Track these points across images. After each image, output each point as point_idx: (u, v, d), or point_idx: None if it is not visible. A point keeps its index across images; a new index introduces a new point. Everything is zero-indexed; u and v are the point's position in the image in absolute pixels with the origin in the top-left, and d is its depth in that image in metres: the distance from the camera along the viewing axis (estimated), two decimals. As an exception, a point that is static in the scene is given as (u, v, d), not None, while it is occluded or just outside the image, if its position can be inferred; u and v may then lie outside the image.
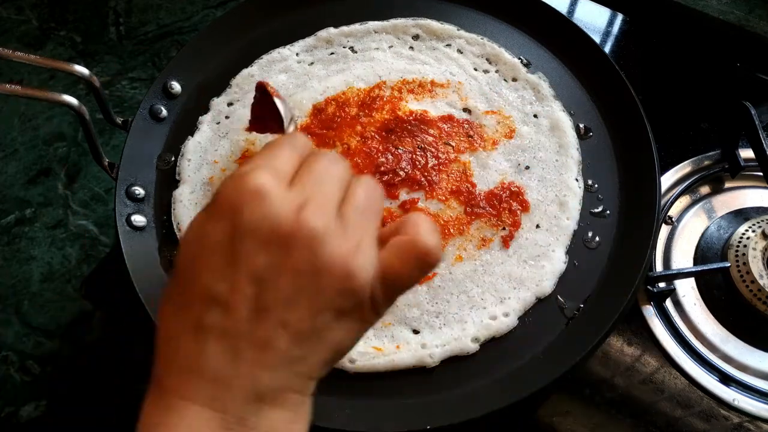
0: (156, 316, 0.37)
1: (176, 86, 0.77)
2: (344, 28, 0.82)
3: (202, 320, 0.33)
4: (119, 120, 0.73)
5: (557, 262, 0.65)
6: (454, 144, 0.72)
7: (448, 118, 0.74)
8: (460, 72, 0.78)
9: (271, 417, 0.33)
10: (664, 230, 0.77)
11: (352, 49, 0.81)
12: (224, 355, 0.32)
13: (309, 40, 0.82)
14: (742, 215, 0.77)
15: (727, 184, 0.80)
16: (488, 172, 0.71)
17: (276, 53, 0.81)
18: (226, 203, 0.33)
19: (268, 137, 0.70)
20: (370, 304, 0.35)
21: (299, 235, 0.32)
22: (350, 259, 0.33)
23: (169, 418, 0.33)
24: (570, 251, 0.67)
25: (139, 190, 0.71)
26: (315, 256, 0.32)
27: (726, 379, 0.67)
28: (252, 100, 0.62)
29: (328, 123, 0.74)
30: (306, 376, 0.34)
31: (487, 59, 0.79)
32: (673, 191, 0.78)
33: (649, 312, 0.71)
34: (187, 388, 0.33)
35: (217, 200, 0.34)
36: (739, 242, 0.72)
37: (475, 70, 0.79)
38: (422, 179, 0.69)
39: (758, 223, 0.73)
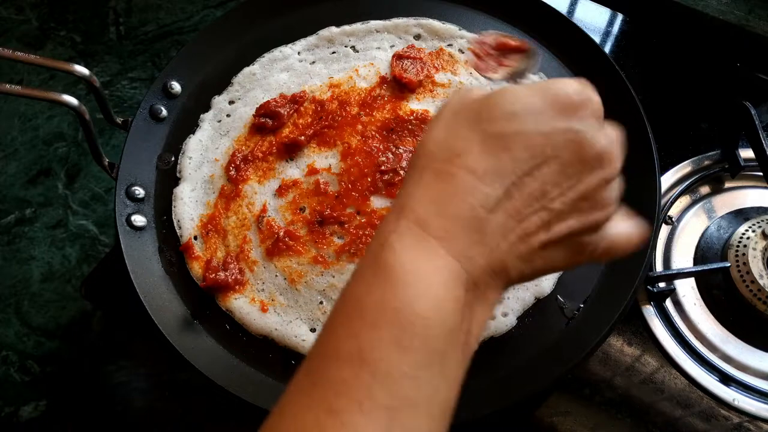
0: (422, 154, 0.39)
1: (176, 86, 0.77)
2: (346, 28, 0.82)
3: (495, 193, 0.36)
4: (119, 120, 0.73)
5: (557, 261, 0.65)
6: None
7: (448, 118, 0.73)
8: (461, 71, 0.78)
9: (490, 298, 0.37)
10: (664, 230, 0.77)
11: (353, 48, 0.81)
12: (500, 227, 0.36)
13: (311, 39, 0.82)
14: (742, 215, 0.77)
15: (727, 184, 0.80)
16: (488, 172, 0.71)
17: (278, 52, 0.81)
18: (570, 106, 0.38)
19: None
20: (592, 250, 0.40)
21: (604, 157, 0.38)
22: (613, 191, 0.40)
23: (425, 254, 0.35)
24: (570, 251, 0.67)
25: (139, 190, 0.71)
26: (606, 182, 0.38)
27: (726, 379, 0.67)
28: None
29: (328, 120, 0.74)
30: (521, 276, 0.38)
31: (487, 59, 0.79)
32: (673, 191, 0.78)
33: (649, 312, 0.71)
34: (454, 237, 0.35)
35: (560, 98, 0.38)
36: (739, 242, 0.72)
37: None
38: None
39: (758, 223, 0.73)
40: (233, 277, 0.65)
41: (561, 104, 0.37)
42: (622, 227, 0.42)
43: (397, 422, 0.32)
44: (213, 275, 0.65)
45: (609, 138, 0.39)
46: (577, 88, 0.39)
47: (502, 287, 0.38)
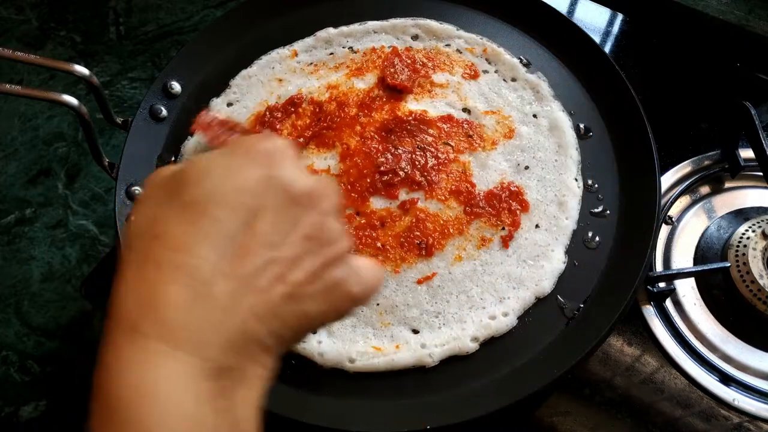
0: (124, 248, 0.35)
1: (176, 86, 0.77)
2: (343, 28, 0.82)
3: (206, 262, 0.32)
4: (119, 120, 0.73)
5: (556, 262, 0.65)
6: (453, 144, 0.72)
7: (448, 118, 0.74)
8: (460, 72, 0.78)
9: (252, 372, 0.33)
10: (664, 230, 0.77)
11: (351, 49, 0.81)
12: (226, 295, 0.32)
13: (308, 40, 0.82)
14: (742, 215, 0.77)
15: (727, 184, 0.80)
16: (488, 172, 0.71)
17: (275, 53, 0.81)
18: (262, 155, 0.36)
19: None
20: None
21: (313, 194, 0.36)
22: (337, 224, 0.37)
23: (145, 363, 0.31)
24: (570, 251, 0.67)
25: (139, 190, 0.71)
26: (324, 220, 0.36)
27: (726, 379, 0.67)
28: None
29: (327, 121, 0.74)
30: (279, 340, 0.35)
31: (487, 59, 0.79)
32: (673, 191, 0.78)
33: (649, 312, 0.71)
34: (175, 328, 0.31)
35: (251, 151, 0.36)
36: (739, 242, 0.72)
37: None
38: (422, 179, 0.69)
39: (758, 223, 0.73)
40: None
41: (249, 156, 0.36)
42: (363, 261, 0.39)
43: None
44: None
45: (305, 177, 0.37)
46: (262, 140, 0.37)
47: (263, 357, 0.34)
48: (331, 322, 0.38)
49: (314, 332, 0.57)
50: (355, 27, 0.82)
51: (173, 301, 0.31)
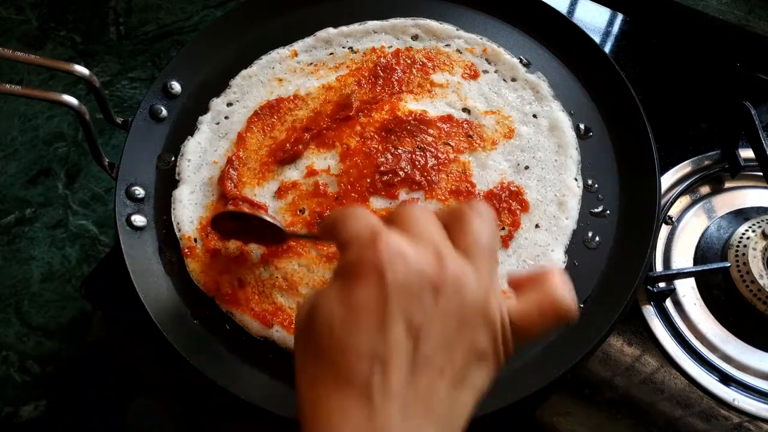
0: (299, 399, 0.35)
1: (176, 86, 0.77)
2: (343, 29, 0.82)
3: (367, 384, 0.32)
4: (119, 120, 0.73)
5: (556, 262, 0.65)
6: (453, 144, 0.72)
7: (448, 118, 0.74)
8: (459, 72, 0.78)
9: None
10: (664, 230, 0.77)
11: (351, 49, 0.81)
12: (396, 415, 0.32)
13: (308, 41, 0.82)
14: (742, 215, 0.77)
15: (727, 184, 0.80)
16: (487, 172, 0.71)
17: (275, 53, 0.81)
18: (367, 269, 0.34)
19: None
20: (502, 348, 0.36)
21: (447, 282, 0.34)
22: (488, 297, 0.35)
23: None
24: (570, 251, 0.67)
25: (139, 190, 0.71)
26: (462, 299, 0.34)
27: (726, 379, 0.67)
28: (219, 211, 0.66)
29: (326, 122, 0.74)
30: (457, 427, 0.35)
31: (487, 59, 0.79)
32: (673, 191, 0.78)
33: (649, 312, 0.71)
34: None
35: (355, 269, 0.34)
36: (739, 242, 0.72)
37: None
38: (422, 179, 0.69)
39: (758, 223, 0.73)
40: (232, 290, 0.65)
41: (361, 279, 0.34)
42: (524, 305, 0.38)
43: None
44: (214, 287, 0.65)
45: (424, 257, 0.35)
46: (365, 245, 0.35)
47: None
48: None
49: None
50: (355, 27, 0.82)
51: None
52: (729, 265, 0.71)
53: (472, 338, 0.34)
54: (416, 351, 0.33)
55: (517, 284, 0.39)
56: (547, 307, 0.37)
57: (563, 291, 0.38)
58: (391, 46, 0.80)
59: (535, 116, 0.75)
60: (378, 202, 0.68)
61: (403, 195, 0.69)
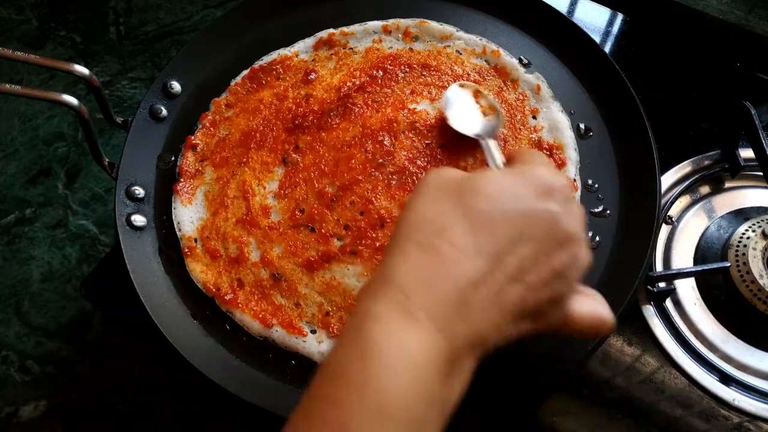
0: (407, 227, 0.41)
1: (176, 86, 0.77)
2: (343, 29, 0.82)
3: (478, 271, 0.38)
4: (119, 120, 0.73)
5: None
6: (453, 145, 0.72)
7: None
8: (459, 72, 0.78)
9: (467, 367, 0.39)
10: (664, 230, 0.77)
11: (351, 49, 0.81)
12: (482, 302, 0.38)
13: (309, 41, 0.82)
14: (742, 215, 0.77)
15: (727, 184, 0.80)
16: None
17: (276, 54, 0.81)
18: (545, 187, 0.42)
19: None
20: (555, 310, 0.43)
21: (574, 237, 0.42)
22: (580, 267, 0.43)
23: (405, 327, 0.36)
24: (570, 251, 0.66)
25: (139, 190, 0.71)
26: (577, 258, 0.42)
27: (726, 379, 0.67)
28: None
29: (326, 123, 0.74)
30: (495, 347, 0.41)
31: (486, 60, 0.79)
32: (673, 191, 0.78)
33: (649, 312, 0.71)
34: (440, 313, 0.37)
35: (536, 181, 0.42)
36: (739, 242, 0.72)
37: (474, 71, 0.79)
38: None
39: (758, 223, 0.73)
40: (232, 290, 0.65)
41: (538, 187, 0.41)
42: (585, 306, 0.45)
43: None
44: (214, 287, 0.65)
45: (578, 219, 0.43)
46: (551, 173, 0.43)
47: (478, 357, 0.40)
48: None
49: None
50: (355, 27, 0.82)
51: (448, 293, 0.37)
52: (729, 265, 0.71)
53: (549, 294, 0.41)
54: (522, 267, 0.40)
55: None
56: (596, 321, 0.45)
57: (611, 315, 0.46)
58: (391, 47, 0.80)
59: (534, 117, 0.75)
60: (377, 202, 0.68)
61: (403, 195, 0.69)
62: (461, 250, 0.38)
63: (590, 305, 0.45)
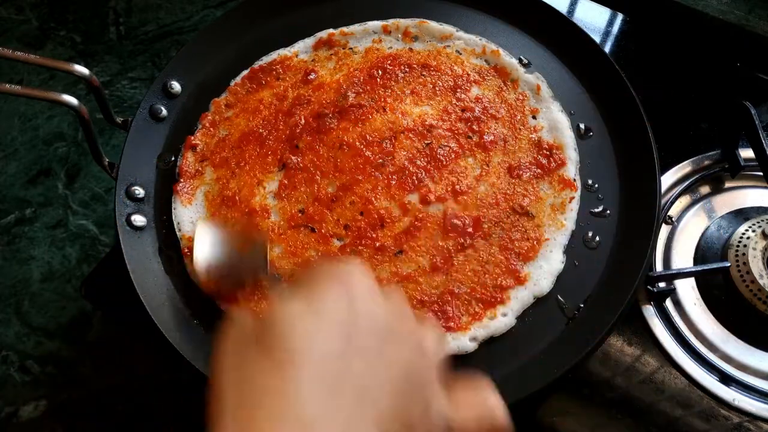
0: (216, 395, 0.37)
1: (176, 86, 0.77)
2: (343, 29, 0.82)
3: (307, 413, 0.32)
4: (119, 120, 0.73)
5: (555, 261, 0.65)
6: (453, 145, 0.72)
7: (448, 120, 0.74)
8: (459, 72, 0.78)
9: None
10: (664, 230, 0.77)
11: (351, 49, 0.81)
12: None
13: (308, 41, 0.82)
14: (742, 215, 0.77)
15: (727, 184, 0.80)
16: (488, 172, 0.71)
17: (275, 54, 0.81)
18: (337, 288, 0.36)
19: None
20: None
21: (402, 330, 0.37)
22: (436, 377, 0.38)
23: None
24: (570, 251, 0.67)
25: (139, 190, 0.71)
26: (413, 352, 0.37)
27: (726, 379, 0.67)
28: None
29: (327, 125, 0.74)
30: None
31: (486, 60, 0.79)
32: (673, 191, 0.78)
33: (649, 312, 0.71)
34: None
35: (331, 285, 0.37)
36: (739, 242, 0.72)
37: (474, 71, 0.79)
38: (421, 180, 0.69)
39: (758, 223, 0.73)
40: (232, 290, 0.65)
41: (326, 293, 0.36)
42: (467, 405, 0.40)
43: None
44: (214, 287, 0.65)
45: (383, 305, 0.37)
46: (334, 269, 0.38)
47: None
48: None
49: None
50: (355, 27, 0.82)
51: None
52: (729, 265, 0.71)
53: (408, 405, 0.35)
54: (360, 377, 0.34)
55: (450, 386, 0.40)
56: (486, 419, 0.41)
57: (499, 408, 0.42)
58: (391, 47, 0.80)
59: (534, 117, 0.75)
60: (377, 202, 0.68)
61: (403, 195, 0.69)
62: (278, 401, 0.33)
63: (471, 400, 0.40)
